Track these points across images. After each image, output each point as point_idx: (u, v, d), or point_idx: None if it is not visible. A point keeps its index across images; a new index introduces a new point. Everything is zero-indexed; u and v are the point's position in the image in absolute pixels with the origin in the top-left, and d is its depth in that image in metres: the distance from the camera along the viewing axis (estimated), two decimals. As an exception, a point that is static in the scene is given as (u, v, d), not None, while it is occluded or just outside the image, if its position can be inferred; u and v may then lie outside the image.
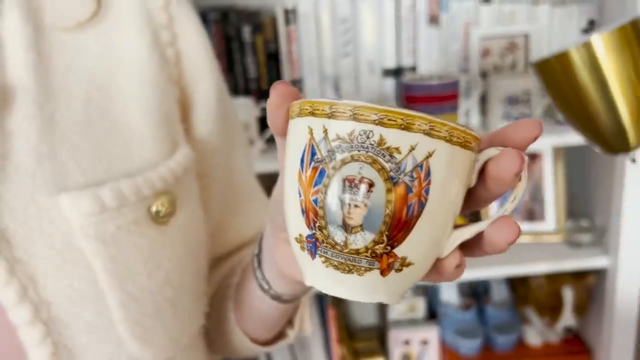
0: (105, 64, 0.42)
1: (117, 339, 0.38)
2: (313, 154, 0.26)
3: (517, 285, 1.39)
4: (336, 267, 0.27)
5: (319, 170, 0.26)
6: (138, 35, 0.44)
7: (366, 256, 0.26)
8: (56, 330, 0.35)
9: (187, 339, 0.44)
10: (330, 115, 0.26)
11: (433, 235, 0.27)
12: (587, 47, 0.66)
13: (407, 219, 0.26)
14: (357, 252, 0.26)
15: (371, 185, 0.25)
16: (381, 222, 0.26)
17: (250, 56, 1.14)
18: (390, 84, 1.18)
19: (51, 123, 0.38)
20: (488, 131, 1.13)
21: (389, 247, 0.26)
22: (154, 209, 0.40)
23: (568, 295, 1.24)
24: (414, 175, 0.25)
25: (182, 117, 0.48)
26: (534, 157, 1.26)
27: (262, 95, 1.16)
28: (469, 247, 0.29)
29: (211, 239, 0.51)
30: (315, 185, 0.26)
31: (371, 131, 0.25)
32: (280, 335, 0.52)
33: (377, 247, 0.26)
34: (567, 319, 1.25)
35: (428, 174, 0.26)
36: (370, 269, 0.27)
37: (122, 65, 0.43)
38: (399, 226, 0.26)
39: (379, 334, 1.51)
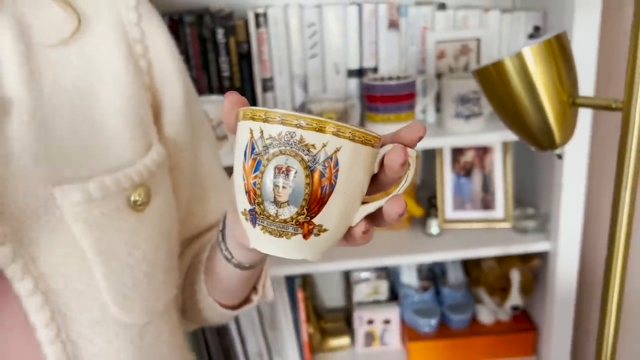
0: (86, 75, 0.48)
1: (102, 305, 0.44)
2: (253, 148, 0.35)
3: (471, 268, 1.47)
4: (271, 233, 0.35)
5: (256, 161, 0.34)
6: (115, 49, 0.50)
7: (292, 224, 0.35)
8: (53, 299, 0.42)
9: (161, 307, 0.52)
10: (265, 120, 0.34)
11: (342, 209, 0.36)
12: (519, 57, 0.74)
13: (322, 196, 0.34)
14: (285, 221, 0.35)
15: (294, 172, 0.34)
16: (302, 198, 0.34)
17: (223, 56, 1.19)
18: (354, 83, 1.24)
19: (44, 128, 0.44)
20: (442, 127, 1.22)
21: (308, 217, 0.35)
22: (132, 198, 0.47)
23: (515, 276, 1.33)
24: (326, 164, 0.34)
25: (154, 119, 0.54)
26: (485, 150, 1.35)
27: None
28: (374, 218, 0.37)
29: (182, 223, 0.58)
30: (254, 172, 0.35)
31: (294, 132, 0.33)
32: (246, 301, 0.60)
33: (299, 217, 0.35)
34: (515, 298, 1.34)
35: (336, 163, 0.34)
36: (295, 234, 0.35)
37: (101, 76, 0.48)
38: (315, 201, 0.34)
39: (345, 315, 1.58)
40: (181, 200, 0.57)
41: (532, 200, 1.37)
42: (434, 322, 1.41)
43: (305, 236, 0.35)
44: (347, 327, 1.53)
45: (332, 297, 1.64)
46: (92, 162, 0.46)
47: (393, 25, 1.21)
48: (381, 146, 0.36)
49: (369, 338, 1.49)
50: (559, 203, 1.20)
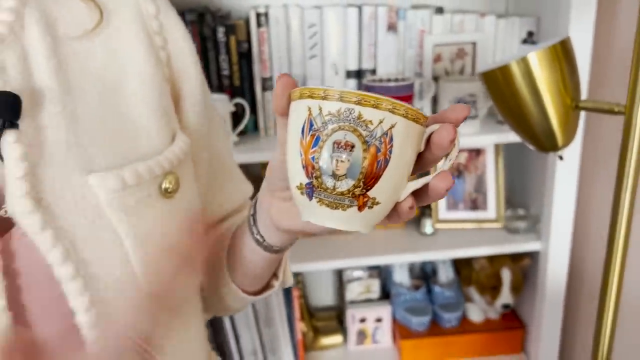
0: (111, 66, 0.48)
1: (138, 289, 0.45)
2: (311, 125, 0.36)
3: (461, 267, 1.49)
4: (327, 205, 0.36)
5: (315, 137, 0.35)
6: (136, 41, 0.50)
7: (348, 197, 0.36)
8: (92, 284, 0.42)
9: (189, 291, 0.52)
10: (324, 98, 0.35)
11: (394, 184, 0.37)
12: (525, 62, 0.75)
13: (377, 170, 0.36)
14: (342, 193, 0.36)
15: (352, 146, 0.35)
16: (359, 172, 0.35)
17: (223, 55, 1.19)
18: (352, 84, 1.25)
19: (74, 117, 0.44)
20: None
21: (364, 190, 0.36)
22: (163, 185, 0.47)
23: (506, 275, 1.36)
24: (382, 140, 0.35)
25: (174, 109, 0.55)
26: (477, 152, 1.37)
27: (234, 91, 1.22)
28: (419, 195, 0.39)
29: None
30: (313, 147, 0.36)
31: (353, 109, 0.34)
32: (266, 286, 0.61)
33: (356, 190, 0.36)
34: (506, 297, 1.36)
35: (391, 139, 0.35)
36: (350, 206, 0.36)
37: (125, 67, 0.49)
38: (371, 175, 0.36)
39: (337, 314, 1.59)
40: (200, 190, 0.58)
41: (522, 201, 1.40)
42: (426, 320, 1.43)
43: (360, 208, 0.36)
44: (339, 326, 1.54)
45: (323, 296, 1.65)
46: (121, 151, 0.46)
47: (392, 27, 1.22)
48: (427, 126, 0.37)
49: (361, 336, 1.50)
50: (551, 205, 1.22)
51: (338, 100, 0.35)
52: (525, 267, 1.37)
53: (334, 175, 0.35)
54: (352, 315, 1.48)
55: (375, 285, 1.53)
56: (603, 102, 0.75)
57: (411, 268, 1.55)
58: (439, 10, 1.23)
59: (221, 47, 1.18)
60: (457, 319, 1.45)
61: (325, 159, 0.35)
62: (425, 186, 0.38)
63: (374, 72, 1.25)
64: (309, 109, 0.36)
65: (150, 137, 0.48)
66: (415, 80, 1.21)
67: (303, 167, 0.36)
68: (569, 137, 0.80)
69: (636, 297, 1.16)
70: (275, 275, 0.61)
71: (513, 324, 1.45)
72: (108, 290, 0.43)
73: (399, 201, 0.38)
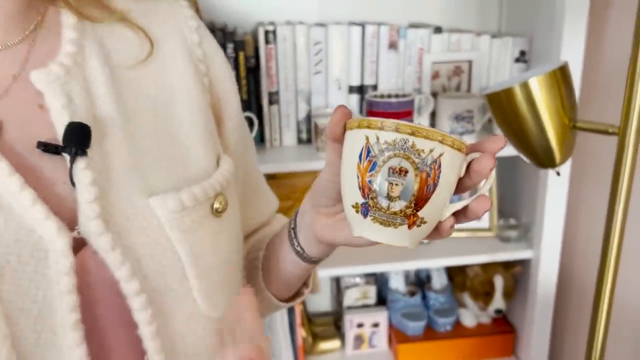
0: (162, 93, 0.51)
1: (192, 302, 0.48)
2: (369, 152, 0.40)
3: (455, 274, 1.54)
4: (380, 223, 0.41)
5: (372, 162, 0.40)
6: (183, 68, 0.53)
7: (400, 216, 0.40)
8: (154, 298, 0.45)
9: None
10: (381, 128, 0.39)
11: (440, 205, 0.41)
12: (526, 86, 0.80)
13: (426, 193, 0.40)
14: (395, 213, 0.40)
15: (406, 172, 0.39)
16: (411, 194, 0.39)
17: (232, 69, 1.23)
18: (354, 99, 1.30)
19: (133, 143, 0.47)
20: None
21: (414, 211, 0.40)
22: (215, 206, 0.50)
23: (499, 282, 1.41)
24: (431, 167, 0.39)
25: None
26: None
27: (242, 104, 1.25)
28: (458, 215, 0.43)
29: None
30: (370, 171, 0.40)
31: (407, 139, 0.39)
32: (297, 294, 0.65)
33: (407, 210, 0.40)
34: (498, 302, 1.42)
35: (439, 166, 0.39)
36: (402, 224, 0.40)
37: (174, 93, 0.52)
38: (421, 198, 0.40)
39: (335, 319, 1.63)
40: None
41: (514, 211, 1.45)
42: (421, 325, 1.47)
43: (409, 226, 0.41)
44: (337, 331, 1.58)
45: (321, 302, 1.68)
46: (176, 174, 0.49)
47: (393, 46, 1.27)
48: (467, 154, 0.42)
49: (358, 341, 1.54)
50: (542, 215, 1.28)
51: (394, 130, 0.39)
52: (516, 274, 1.43)
53: (389, 197, 0.39)
54: (350, 321, 1.52)
55: (372, 292, 1.58)
56: (598, 123, 0.81)
57: (407, 275, 1.59)
58: (438, 30, 1.28)
59: (230, 62, 1.22)
60: (451, 324, 1.50)
61: (381, 182, 0.39)
62: (465, 207, 0.42)
63: (375, 87, 1.30)
64: (367, 137, 0.40)
65: (199, 159, 0.51)
66: (415, 96, 1.25)
67: (360, 189, 0.40)
68: (566, 154, 0.85)
69: (626, 305, 1.22)
70: (305, 283, 0.65)
71: (504, 328, 1.50)
72: (167, 304, 0.46)
73: (442, 220, 0.42)
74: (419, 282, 1.60)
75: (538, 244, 1.31)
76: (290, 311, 1.42)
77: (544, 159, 0.86)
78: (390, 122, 0.39)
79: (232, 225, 0.53)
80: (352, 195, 0.41)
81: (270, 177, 1.31)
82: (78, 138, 0.42)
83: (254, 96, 1.26)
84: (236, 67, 1.22)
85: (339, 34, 1.24)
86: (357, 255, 1.36)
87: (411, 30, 1.27)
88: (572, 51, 1.15)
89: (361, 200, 0.41)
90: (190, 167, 0.51)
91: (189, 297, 0.48)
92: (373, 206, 0.40)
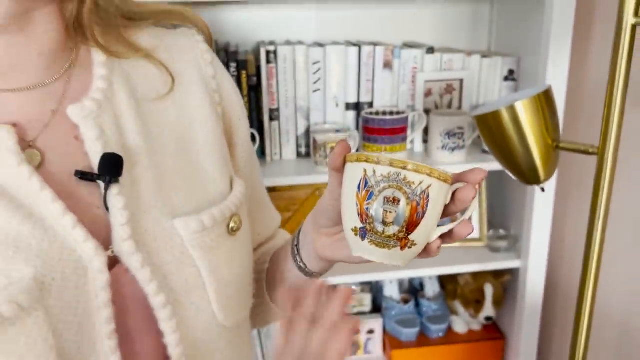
0: (182, 123, 0.56)
1: (211, 313, 0.53)
2: (366, 183, 0.45)
3: (447, 282, 1.59)
4: (376, 245, 0.46)
5: (369, 192, 0.45)
6: (201, 100, 0.58)
7: (393, 239, 0.46)
8: (178, 310, 0.50)
9: (247, 312, 0.61)
10: (377, 163, 0.45)
11: (428, 229, 0.46)
12: (512, 109, 0.86)
13: (416, 220, 0.45)
14: (389, 236, 0.46)
15: (399, 201, 0.45)
16: (403, 220, 0.45)
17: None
18: (351, 115, 1.35)
19: (159, 170, 0.52)
20: (429, 157, 1.34)
21: (406, 234, 0.46)
22: (230, 225, 0.55)
23: (489, 290, 1.46)
24: (421, 197, 0.45)
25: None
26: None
27: (243, 121, 1.31)
28: (444, 237, 0.48)
29: None
30: (368, 200, 0.45)
31: (400, 172, 0.44)
32: None
33: (400, 234, 0.45)
34: (488, 310, 1.47)
35: (427, 196, 0.45)
36: (395, 246, 0.46)
37: (193, 123, 0.56)
38: (412, 223, 0.45)
39: (331, 325, 1.68)
40: None
41: (503, 223, 1.51)
42: (414, 331, 1.52)
43: (402, 248, 0.46)
44: (333, 337, 1.62)
45: (318, 308, 1.72)
46: (197, 197, 0.54)
47: (387, 65, 1.32)
48: (452, 184, 0.47)
49: (354, 347, 1.59)
50: (529, 227, 1.33)
51: (389, 165, 0.44)
52: (506, 282, 1.48)
53: (384, 222, 0.45)
54: (346, 328, 1.57)
55: (367, 299, 1.63)
56: (580, 143, 0.86)
57: (401, 283, 1.64)
58: (430, 50, 1.34)
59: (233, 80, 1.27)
60: (443, 331, 1.55)
61: (377, 210, 0.45)
62: (450, 230, 0.47)
63: (371, 104, 1.35)
64: (365, 170, 0.45)
65: (216, 183, 0.56)
66: (409, 113, 1.31)
67: (358, 215, 0.46)
68: (550, 172, 0.91)
69: (609, 312, 1.28)
70: None
71: (494, 335, 1.55)
72: (189, 315, 0.51)
73: (430, 242, 0.48)
74: (413, 290, 1.65)
75: (526, 254, 1.37)
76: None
77: (529, 177, 0.91)
78: (385, 157, 0.44)
79: (245, 243, 0.58)
80: (351, 220, 0.47)
81: (271, 190, 1.36)
82: (111, 167, 0.47)
83: (255, 113, 1.31)
84: (239, 85, 1.27)
85: (336, 54, 1.29)
86: (354, 264, 1.41)
87: (405, 50, 1.32)
88: (557, 71, 1.21)
89: (360, 225, 0.46)
90: (209, 190, 0.55)
91: (208, 309, 0.52)
92: (370, 230, 0.46)
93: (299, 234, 0.61)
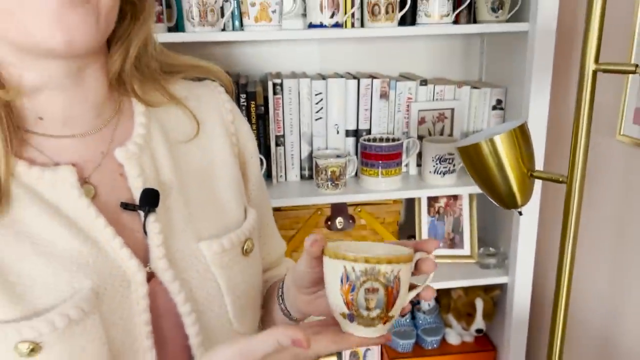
0: (205, 160, 0.66)
1: (228, 320, 0.62)
2: (348, 278, 0.53)
3: (441, 297, 1.68)
4: (364, 325, 0.53)
5: (352, 285, 0.52)
6: (222, 143, 0.68)
7: (376, 319, 0.53)
8: (201, 318, 0.59)
9: (256, 321, 0.70)
10: (355, 261, 0.52)
11: (402, 303, 0.54)
12: (492, 141, 0.96)
13: (393, 300, 0.53)
14: (373, 318, 0.53)
15: (377, 290, 0.52)
16: (383, 304, 0.52)
17: (245, 116, 1.39)
18: (350, 141, 1.45)
19: (187, 200, 0.62)
20: (422, 180, 1.44)
21: (386, 313, 0.53)
22: (244, 247, 0.65)
23: (479, 304, 1.55)
24: (394, 282, 0.52)
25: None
26: (455, 199, 1.58)
27: (251, 146, 1.42)
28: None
29: None
30: (351, 292, 0.53)
31: (374, 267, 0.52)
32: None
33: (381, 314, 0.53)
34: (479, 323, 1.56)
35: (399, 279, 0.52)
36: (378, 323, 0.53)
37: (215, 161, 0.67)
38: (390, 304, 0.53)
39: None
40: None
41: (493, 241, 1.60)
42: (410, 342, 1.61)
43: (384, 323, 0.54)
44: (334, 347, 1.71)
45: (320, 320, 1.82)
46: (216, 223, 0.64)
47: (384, 95, 1.43)
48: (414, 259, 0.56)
49: (354, 357, 1.68)
50: (516, 246, 1.43)
51: (364, 262, 0.52)
52: (495, 297, 1.57)
53: (367, 308, 0.53)
54: (346, 339, 1.66)
55: (366, 312, 1.72)
56: (551, 173, 0.96)
57: (397, 297, 1.73)
58: (424, 82, 1.45)
59: (243, 110, 1.38)
60: (437, 342, 1.63)
61: (360, 300, 0.53)
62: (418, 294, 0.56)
63: (369, 131, 1.45)
64: (345, 267, 0.53)
65: (233, 212, 0.67)
66: (404, 140, 1.42)
67: (345, 304, 0.54)
68: (526, 198, 1.01)
69: (584, 321, 1.37)
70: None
71: (485, 346, 1.64)
72: (210, 322, 0.61)
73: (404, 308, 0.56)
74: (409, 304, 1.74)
75: (513, 271, 1.46)
76: (292, 329, 1.56)
77: (508, 202, 1.01)
78: (360, 257, 0.52)
79: (256, 263, 0.69)
80: (339, 307, 0.54)
81: (276, 209, 1.46)
82: (149, 199, 0.58)
83: (262, 139, 1.42)
84: (248, 114, 1.39)
85: (337, 85, 1.40)
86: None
87: (400, 82, 1.43)
88: (539, 102, 1.32)
89: (347, 311, 0.54)
90: (227, 218, 0.66)
91: (226, 317, 0.63)
92: (357, 315, 0.54)
93: (282, 284, 0.68)
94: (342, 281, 0.53)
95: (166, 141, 0.63)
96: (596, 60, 0.86)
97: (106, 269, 0.54)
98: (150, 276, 0.57)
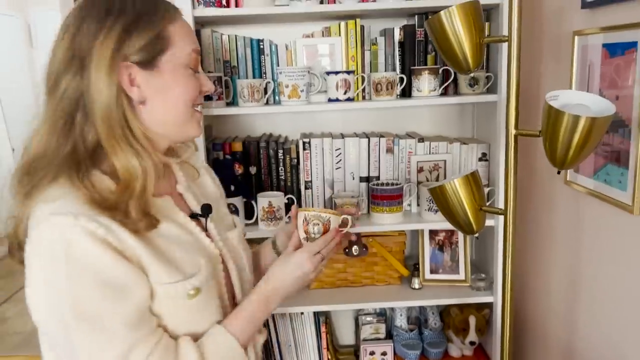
0: (206, 193, 1.06)
1: (247, 275, 1.03)
2: (305, 219, 0.98)
3: (444, 317, 1.98)
4: (311, 242, 0.99)
5: (308, 222, 0.98)
6: (210, 179, 1.10)
7: (317, 238, 0.98)
8: (240, 275, 0.99)
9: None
10: (309, 211, 0.98)
11: (331, 234, 1.00)
12: (452, 184, 1.31)
13: (325, 230, 1.00)
14: (315, 238, 0.98)
15: (318, 224, 0.97)
16: (320, 232, 0.98)
17: (281, 166, 1.80)
18: (364, 186, 1.82)
19: (216, 209, 1.01)
20: (420, 216, 1.78)
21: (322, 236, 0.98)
22: (244, 234, 1.07)
23: (472, 320, 1.83)
24: (327, 222, 0.98)
25: None
26: (452, 232, 1.90)
27: (287, 189, 1.81)
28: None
29: None
30: (307, 226, 0.98)
31: (319, 215, 0.97)
32: None
33: (319, 237, 0.97)
34: (472, 336, 1.83)
35: (330, 221, 0.98)
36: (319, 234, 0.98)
37: (210, 191, 1.08)
38: (324, 233, 0.98)
39: (354, 349, 2.08)
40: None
41: (484, 268, 1.91)
42: (417, 354, 1.89)
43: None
44: (356, 358, 2.03)
45: (344, 336, 2.15)
46: (229, 223, 1.06)
47: (389, 150, 1.80)
48: (340, 216, 0.99)
49: (371, 364, 1.98)
50: (497, 271, 1.73)
51: (313, 211, 0.96)
52: (487, 315, 1.86)
53: (314, 233, 0.96)
54: (365, 350, 1.96)
55: (382, 328, 2.02)
56: (492, 207, 1.30)
57: (408, 316, 2.04)
58: (421, 140, 1.82)
59: (280, 162, 1.79)
60: (440, 354, 1.91)
61: (311, 230, 0.96)
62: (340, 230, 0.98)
63: (378, 178, 1.82)
64: (305, 214, 0.97)
65: (229, 216, 1.08)
66: (405, 185, 1.77)
67: (304, 232, 0.97)
68: (479, 226, 1.33)
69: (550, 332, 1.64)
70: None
71: (481, 358, 1.91)
72: (242, 276, 1.00)
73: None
74: (417, 322, 2.05)
75: (496, 292, 1.76)
76: (319, 337, 1.90)
77: (466, 229, 1.34)
78: (313, 209, 0.97)
79: (248, 246, 1.09)
80: (302, 234, 0.98)
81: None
82: (205, 210, 0.98)
83: (295, 184, 1.81)
84: (284, 165, 1.79)
85: (352, 142, 1.79)
86: (369, 296, 1.84)
87: (402, 140, 1.80)
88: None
89: (304, 236, 0.97)
90: (228, 220, 1.07)
91: (247, 273, 1.02)
92: (309, 238, 0.97)
93: (275, 238, 1.14)
94: (303, 221, 0.99)
95: (192, 182, 1.04)
96: (516, 126, 1.21)
97: (206, 252, 0.93)
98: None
